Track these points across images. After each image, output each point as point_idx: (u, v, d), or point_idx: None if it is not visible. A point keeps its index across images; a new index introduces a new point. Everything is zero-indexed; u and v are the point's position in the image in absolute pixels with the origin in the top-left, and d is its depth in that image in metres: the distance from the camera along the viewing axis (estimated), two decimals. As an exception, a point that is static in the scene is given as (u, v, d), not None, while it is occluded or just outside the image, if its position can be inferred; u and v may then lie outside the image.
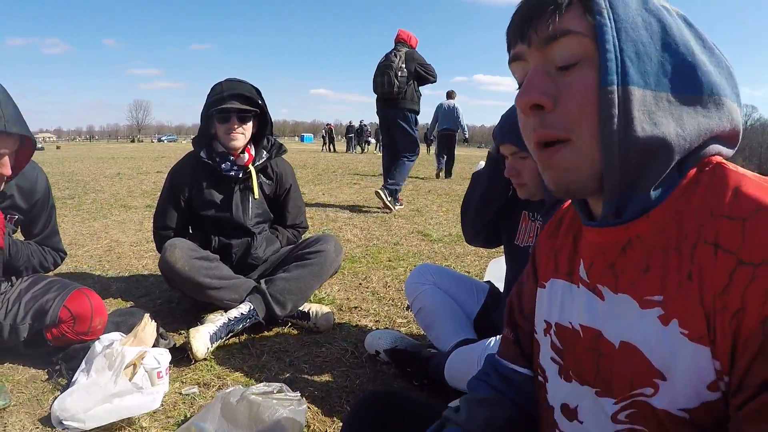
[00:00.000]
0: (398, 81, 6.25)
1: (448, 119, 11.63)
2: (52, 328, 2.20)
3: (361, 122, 37.26)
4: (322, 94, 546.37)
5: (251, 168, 2.83)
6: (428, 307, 2.28)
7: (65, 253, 2.57)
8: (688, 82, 0.70)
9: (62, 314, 2.19)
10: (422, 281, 2.34)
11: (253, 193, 2.85)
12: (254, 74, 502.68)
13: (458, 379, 1.98)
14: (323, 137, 37.29)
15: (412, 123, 6.53)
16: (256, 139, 2.90)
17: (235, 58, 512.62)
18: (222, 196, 2.82)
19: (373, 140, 36.36)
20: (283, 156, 3.03)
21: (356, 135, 36.20)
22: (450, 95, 11.86)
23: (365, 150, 34.15)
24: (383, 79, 6.32)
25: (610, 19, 0.69)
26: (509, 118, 1.80)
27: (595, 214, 0.82)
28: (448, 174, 11.95)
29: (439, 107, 11.81)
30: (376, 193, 6.55)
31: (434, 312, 2.26)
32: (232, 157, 2.79)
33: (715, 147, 0.73)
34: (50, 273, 2.53)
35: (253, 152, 2.86)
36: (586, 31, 0.70)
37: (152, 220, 2.98)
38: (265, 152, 2.92)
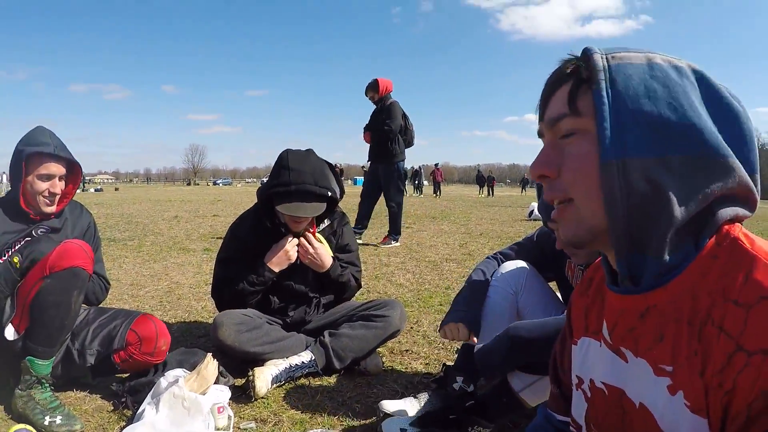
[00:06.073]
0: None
1: None
2: (120, 351, 2.38)
3: (414, 167, 36.72)
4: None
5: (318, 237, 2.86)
6: (489, 307, 2.21)
7: (109, 283, 2.71)
8: (690, 146, 0.74)
9: (129, 337, 2.38)
10: (504, 285, 2.23)
11: None
12: (307, 118, 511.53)
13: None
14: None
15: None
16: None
17: (288, 102, 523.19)
18: None
19: (426, 182, 35.67)
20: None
21: (412, 178, 35.25)
22: None
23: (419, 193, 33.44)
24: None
25: (607, 96, 0.75)
26: None
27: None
28: None
29: None
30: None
31: (490, 320, 2.17)
32: None
33: (729, 211, 0.77)
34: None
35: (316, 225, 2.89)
36: (586, 109, 0.78)
37: (212, 272, 3.01)
38: (327, 220, 2.93)
